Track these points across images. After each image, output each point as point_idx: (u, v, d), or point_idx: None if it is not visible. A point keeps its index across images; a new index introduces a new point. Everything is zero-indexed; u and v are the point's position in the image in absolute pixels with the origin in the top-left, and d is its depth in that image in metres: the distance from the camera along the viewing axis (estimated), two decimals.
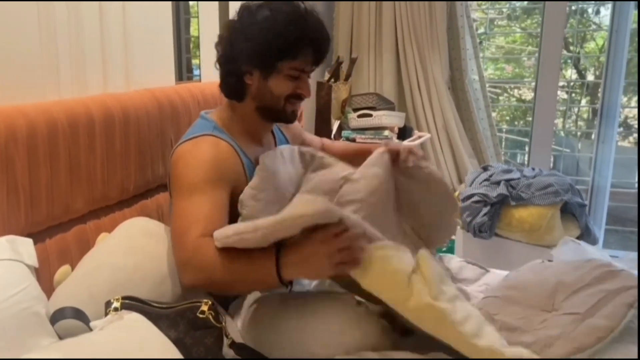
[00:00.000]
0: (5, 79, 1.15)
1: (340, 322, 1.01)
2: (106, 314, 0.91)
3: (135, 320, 0.89)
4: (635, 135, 4.01)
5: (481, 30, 3.68)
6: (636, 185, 3.38)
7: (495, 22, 4.22)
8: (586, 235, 2.20)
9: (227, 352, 0.97)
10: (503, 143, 3.63)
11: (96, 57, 1.39)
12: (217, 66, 1.26)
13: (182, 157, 1.16)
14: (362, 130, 2.48)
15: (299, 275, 0.97)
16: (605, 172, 2.73)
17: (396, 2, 2.62)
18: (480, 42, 3.75)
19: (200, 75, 1.91)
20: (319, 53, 1.22)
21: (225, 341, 0.95)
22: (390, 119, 2.49)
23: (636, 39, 3.54)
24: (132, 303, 0.93)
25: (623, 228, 3.13)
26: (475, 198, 2.26)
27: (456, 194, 2.48)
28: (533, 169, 2.36)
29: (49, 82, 1.26)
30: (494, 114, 4.03)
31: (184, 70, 1.93)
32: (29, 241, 1.04)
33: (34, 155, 1.08)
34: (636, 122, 3.88)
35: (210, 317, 0.92)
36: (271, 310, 1.10)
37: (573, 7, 3.85)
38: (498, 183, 2.24)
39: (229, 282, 0.97)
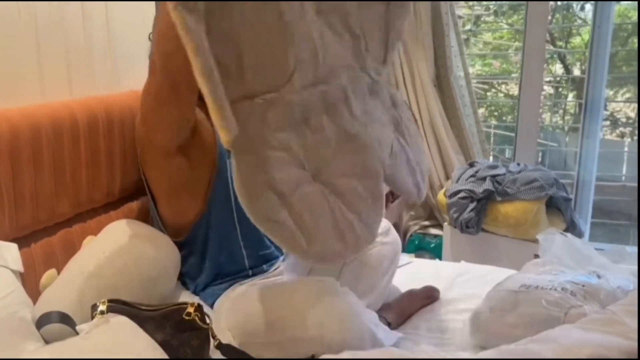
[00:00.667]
0: None
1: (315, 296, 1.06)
2: (92, 318, 0.91)
3: (122, 323, 0.89)
4: (621, 129, 4.07)
5: (468, 26, 3.70)
6: (623, 178, 3.43)
7: (482, 19, 4.25)
8: (572, 228, 2.23)
9: (214, 353, 0.97)
10: (492, 139, 3.66)
11: (80, 59, 1.39)
12: None
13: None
14: None
15: None
16: (590, 166, 2.76)
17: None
18: (467, 39, 3.77)
19: None
20: None
21: (212, 342, 0.96)
22: None
23: (620, 34, 3.57)
24: (118, 306, 0.93)
25: (609, 221, 3.17)
26: (462, 194, 2.28)
27: (443, 190, 2.50)
28: (518, 164, 2.39)
29: (32, 85, 1.26)
30: (481, 110, 4.07)
31: None
32: (13, 246, 1.04)
33: (17, 159, 1.08)
34: (621, 116, 3.93)
35: (197, 318, 0.92)
36: (253, 295, 1.14)
37: (559, 3, 3.89)
38: (484, 179, 2.27)
39: None
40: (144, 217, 1.46)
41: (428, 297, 1.53)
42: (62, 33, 1.32)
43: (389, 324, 1.35)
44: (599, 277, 1.34)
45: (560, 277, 1.30)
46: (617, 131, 4.21)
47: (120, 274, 1.08)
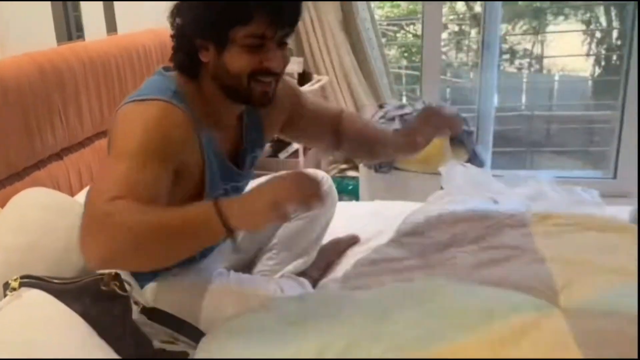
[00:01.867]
0: None
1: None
2: (5, 296, 0.90)
3: (36, 297, 0.89)
4: (520, 61, 4.29)
5: None
6: (522, 107, 3.67)
7: None
8: (473, 159, 2.40)
9: (139, 318, 0.98)
10: (404, 79, 3.77)
11: None
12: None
13: (124, 120, 0.97)
14: None
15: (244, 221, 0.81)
16: (490, 98, 2.93)
17: None
18: None
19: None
20: (281, 11, 0.97)
21: (135, 308, 0.96)
22: (289, 65, 2.51)
23: None
24: (31, 281, 0.92)
25: (510, 149, 3.41)
26: None
27: None
28: (424, 103, 2.50)
29: None
30: (393, 52, 4.15)
31: (73, 29, 1.81)
32: None
33: None
34: (519, 48, 4.14)
35: (115, 287, 0.92)
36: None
37: None
38: (393, 119, 2.36)
39: (148, 251, 0.81)
40: (53, 185, 1.42)
41: (351, 243, 1.60)
42: None
43: (314, 281, 1.41)
44: (495, 202, 1.48)
45: (459, 206, 1.42)
46: (517, 63, 4.44)
47: (28, 250, 1.04)
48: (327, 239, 1.57)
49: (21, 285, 0.90)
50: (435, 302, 0.91)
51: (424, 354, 0.77)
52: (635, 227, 1.19)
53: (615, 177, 2.80)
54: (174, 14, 1.03)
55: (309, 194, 0.80)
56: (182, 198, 1.01)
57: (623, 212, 1.44)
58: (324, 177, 1.48)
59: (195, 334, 0.99)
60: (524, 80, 4.07)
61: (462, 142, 2.41)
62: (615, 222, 1.25)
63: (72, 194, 1.44)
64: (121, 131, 0.95)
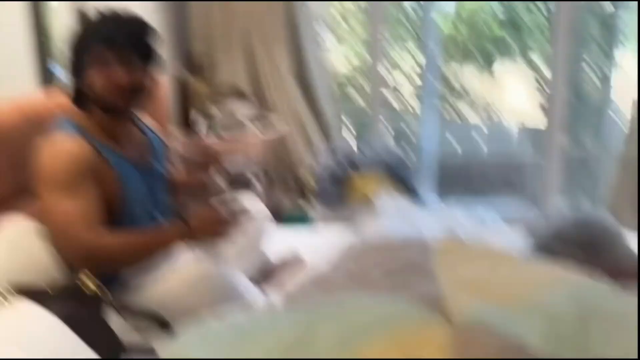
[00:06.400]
0: None
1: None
2: None
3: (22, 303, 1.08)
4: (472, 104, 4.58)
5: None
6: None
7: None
8: (413, 197, 2.68)
9: (111, 314, 1.17)
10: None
11: None
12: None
13: (41, 153, 1.30)
14: (225, 125, 2.75)
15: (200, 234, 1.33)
16: (431, 141, 3.26)
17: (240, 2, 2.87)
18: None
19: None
20: (115, 35, 1.34)
21: (107, 304, 1.16)
22: (247, 109, 2.79)
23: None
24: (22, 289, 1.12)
25: (452, 192, 3.66)
26: (324, 174, 2.65)
27: (308, 171, 2.85)
28: (369, 144, 2.80)
29: None
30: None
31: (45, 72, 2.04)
32: None
33: None
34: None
35: (91, 284, 1.13)
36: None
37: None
38: (341, 158, 2.65)
39: (133, 259, 1.29)
40: None
41: (295, 262, 1.85)
42: None
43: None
44: (414, 226, 1.76)
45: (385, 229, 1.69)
46: (468, 105, 4.69)
47: None
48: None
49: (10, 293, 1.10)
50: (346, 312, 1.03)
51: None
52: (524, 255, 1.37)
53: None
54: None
55: (224, 229, 1.35)
56: (107, 200, 1.36)
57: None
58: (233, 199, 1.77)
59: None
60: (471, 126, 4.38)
61: (403, 182, 2.71)
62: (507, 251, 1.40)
63: None
64: (44, 165, 1.29)
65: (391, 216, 1.86)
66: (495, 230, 1.77)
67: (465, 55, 4.28)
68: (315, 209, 2.84)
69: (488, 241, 1.62)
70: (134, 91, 1.39)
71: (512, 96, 4.34)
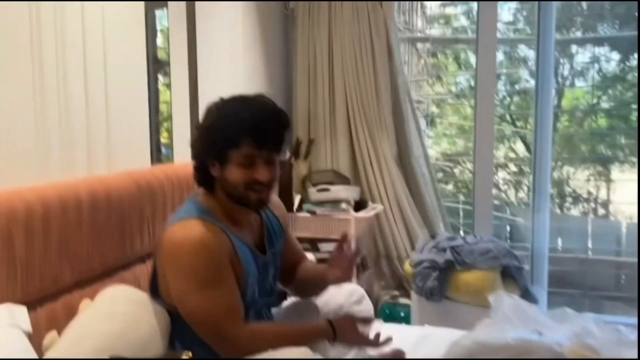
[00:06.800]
0: (3, 164, 1.33)
1: None
2: None
3: None
4: (584, 204, 4.30)
5: (433, 108, 4.05)
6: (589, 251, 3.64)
7: (446, 100, 4.63)
8: (526, 295, 2.42)
9: None
10: (461, 213, 3.89)
11: (82, 141, 1.59)
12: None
13: (177, 239, 1.25)
14: (321, 203, 2.70)
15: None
16: (543, 238, 3.00)
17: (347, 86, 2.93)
18: (432, 120, 4.12)
19: (172, 155, 2.12)
20: (264, 137, 1.27)
21: None
22: (346, 192, 2.73)
23: (577, 115, 3.95)
24: None
25: (564, 290, 3.36)
26: (425, 264, 2.47)
27: (408, 260, 2.69)
28: (475, 236, 2.60)
29: (41, 165, 1.44)
30: (450, 187, 4.35)
31: (154, 149, 2.14)
32: (23, 308, 1.17)
33: (30, 233, 1.24)
34: (584, 192, 4.18)
35: None
36: None
37: (516, 87, 4.30)
38: (444, 250, 2.47)
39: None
40: (136, 284, 1.60)
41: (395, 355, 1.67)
42: (67, 118, 1.54)
43: None
44: (540, 334, 1.52)
45: (505, 334, 1.48)
46: (581, 206, 4.41)
47: (117, 338, 1.19)
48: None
49: None
50: None
51: None
52: None
53: None
54: (192, 145, 1.36)
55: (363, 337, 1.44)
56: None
57: None
58: (357, 290, 1.70)
59: None
60: (589, 226, 4.05)
61: (514, 278, 2.47)
62: None
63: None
64: (177, 254, 1.24)
65: (509, 317, 1.65)
66: (630, 342, 1.50)
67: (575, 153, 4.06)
68: (413, 301, 2.64)
69: (623, 354, 1.38)
70: (270, 187, 1.34)
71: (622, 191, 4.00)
